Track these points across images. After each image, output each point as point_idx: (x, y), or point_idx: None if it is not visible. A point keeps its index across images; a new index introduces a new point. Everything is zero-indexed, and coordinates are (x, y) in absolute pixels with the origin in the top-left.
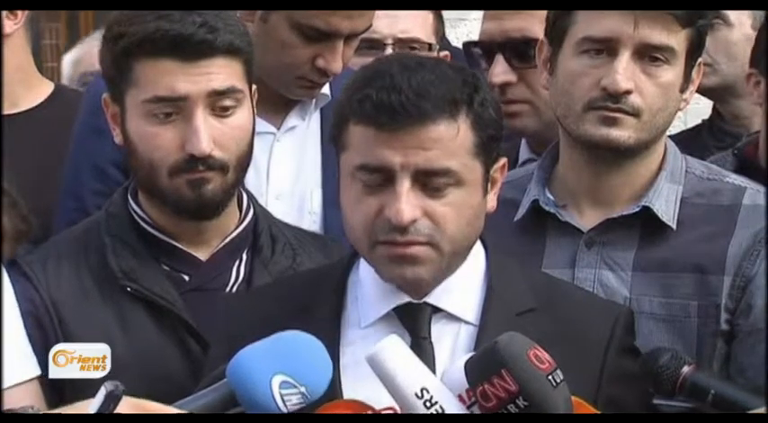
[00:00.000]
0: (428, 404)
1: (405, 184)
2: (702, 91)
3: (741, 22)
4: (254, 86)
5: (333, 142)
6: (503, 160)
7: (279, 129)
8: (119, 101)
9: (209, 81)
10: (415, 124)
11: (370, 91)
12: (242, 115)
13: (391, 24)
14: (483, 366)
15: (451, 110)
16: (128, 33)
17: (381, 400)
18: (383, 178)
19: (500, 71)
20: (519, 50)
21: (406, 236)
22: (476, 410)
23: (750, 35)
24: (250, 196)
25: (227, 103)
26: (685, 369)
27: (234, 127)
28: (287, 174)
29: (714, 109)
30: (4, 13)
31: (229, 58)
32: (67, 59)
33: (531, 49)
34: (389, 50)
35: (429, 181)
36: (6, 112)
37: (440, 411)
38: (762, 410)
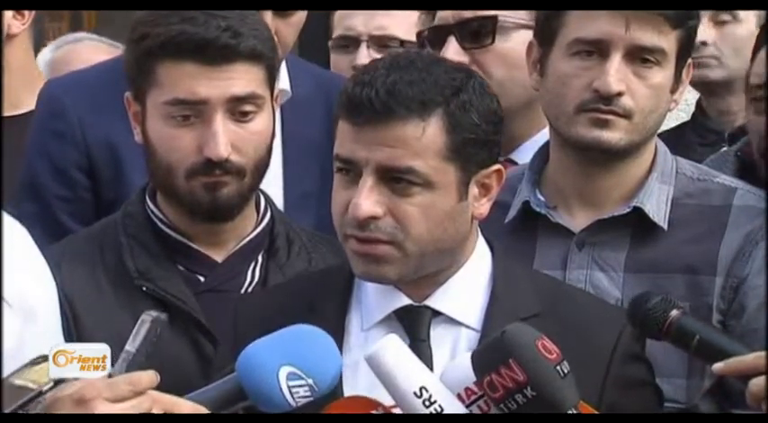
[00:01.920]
0: (427, 403)
1: (368, 180)
2: (705, 84)
3: (748, 19)
4: (276, 90)
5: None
6: (495, 167)
7: None
8: (140, 100)
9: (229, 86)
10: (381, 121)
11: (350, 85)
12: (261, 120)
13: (367, 21)
14: (490, 356)
15: (420, 110)
16: (151, 35)
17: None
18: (353, 172)
19: (452, 52)
20: (471, 30)
21: (365, 232)
22: (475, 409)
23: (754, 32)
24: (267, 199)
25: (247, 108)
26: (674, 313)
27: (253, 132)
28: None
29: (698, 106)
30: (11, 13)
31: (251, 64)
32: (44, 58)
33: (485, 29)
34: (364, 47)
35: (394, 179)
36: (8, 113)
37: (439, 410)
38: (745, 357)
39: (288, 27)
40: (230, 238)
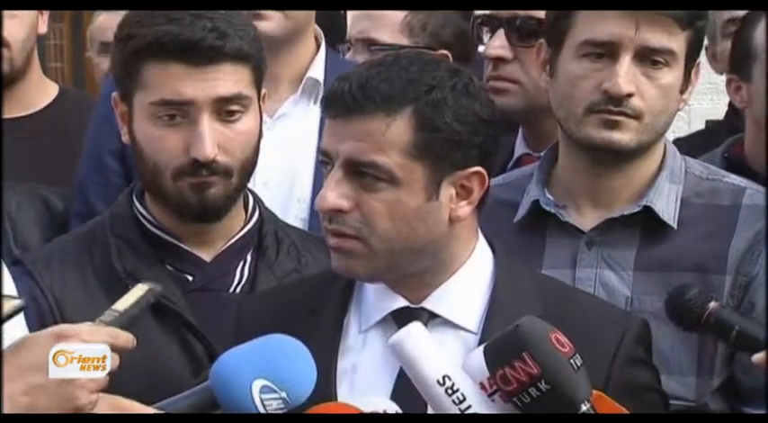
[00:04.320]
0: (449, 391)
1: (337, 173)
2: None
3: None
4: (263, 90)
5: None
6: (474, 168)
7: (271, 117)
8: (127, 101)
9: (215, 87)
10: (349, 114)
11: (335, 81)
12: (248, 121)
13: (353, 24)
14: (504, 350)
15: (387, 106)
16: (137, 35)
17: (374, 405)
18: (330, 165)
19: (497, 45)
20: (521, 28)
21: (332, 225)
22: (497, 398)
23: None
24: (256, 198)
25: (234, 108)
26: (712, 305)
27: (239, 132)
28: (276, 161)
29: (730, 106)
30: (35, 13)
31: (237, 64)
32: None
33: (532, 29)
34: (349, 51)
35: (360, 173)
36: (24, 113)
37: (461, 399)
38: None
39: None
40: (218, 238)
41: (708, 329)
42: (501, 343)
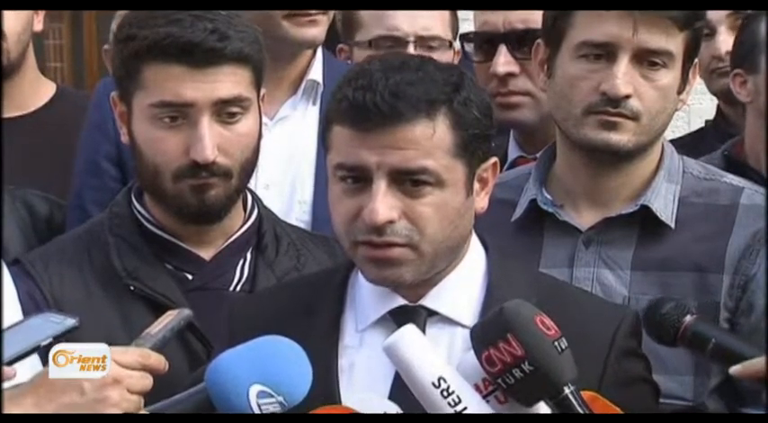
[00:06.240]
0: (445, 393)
1: (381, 185)
2: (724, 92)
3: None
4: (262, 90)
5: (322, 143)
6: (492, 160)
7: (270, 119)
8: (126, 101)
9: (215, 89)
10: (390, 124)
11: (348, 91)
12: (248, 122)
13: (412, 22)
14: (489, 331)
15: (428, 110)
16: (138, 36)
17: (373, 406)
18: (361, 178)
19: (503, 62)
20: (522, 41)
21: (382, 237)
22: (492, 400)
23: None
24: (255, 197)
25: (234, 110)
26: (687, 318)
27: (239, 134)
28: (277, 163)
29: (718, 111)
30: (31, 12)
31: (238, 66)
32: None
33: (535, 39)
34: (411, 48)
35: (407, 181)
36: (20, 112)
37: (456, 401)
38: (761, 360)
39: None
40: (218, 237)
41: (684, 343)
42: (486, 325)
